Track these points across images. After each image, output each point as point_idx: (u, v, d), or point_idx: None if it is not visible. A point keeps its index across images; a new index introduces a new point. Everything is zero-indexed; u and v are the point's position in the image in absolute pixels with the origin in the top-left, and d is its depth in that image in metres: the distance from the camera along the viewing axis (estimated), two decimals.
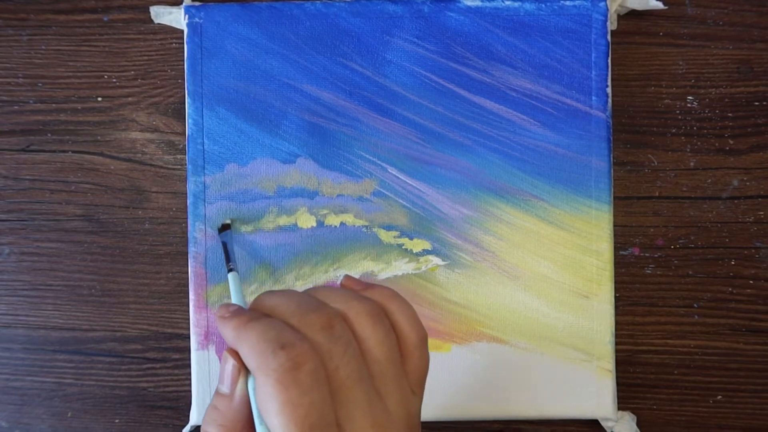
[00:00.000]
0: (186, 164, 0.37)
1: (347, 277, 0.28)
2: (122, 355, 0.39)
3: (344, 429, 0.22)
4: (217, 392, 0.24)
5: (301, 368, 0.22)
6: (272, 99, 0.37)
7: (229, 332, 0.24)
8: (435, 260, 0.37)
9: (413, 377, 0.25)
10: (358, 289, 0.27)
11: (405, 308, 0.26)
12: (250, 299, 0.37)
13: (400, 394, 0.24)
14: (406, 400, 0.25)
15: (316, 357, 0.22)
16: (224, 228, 0.36)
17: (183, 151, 0.39)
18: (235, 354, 0.23)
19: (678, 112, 0.39)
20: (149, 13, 0.38)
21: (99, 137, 0.39)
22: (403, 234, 0.37)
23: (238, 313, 0.24)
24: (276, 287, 0.37)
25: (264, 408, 0.22)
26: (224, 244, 0.35)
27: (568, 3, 0.37)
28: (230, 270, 0.32)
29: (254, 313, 0.24)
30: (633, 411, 0.38)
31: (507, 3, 0.37)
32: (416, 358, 0.25)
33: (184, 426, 0.39)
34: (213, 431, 0.24)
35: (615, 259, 0.38)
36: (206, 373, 0.37)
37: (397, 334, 0.25)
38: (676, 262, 0.39)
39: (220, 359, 0.37)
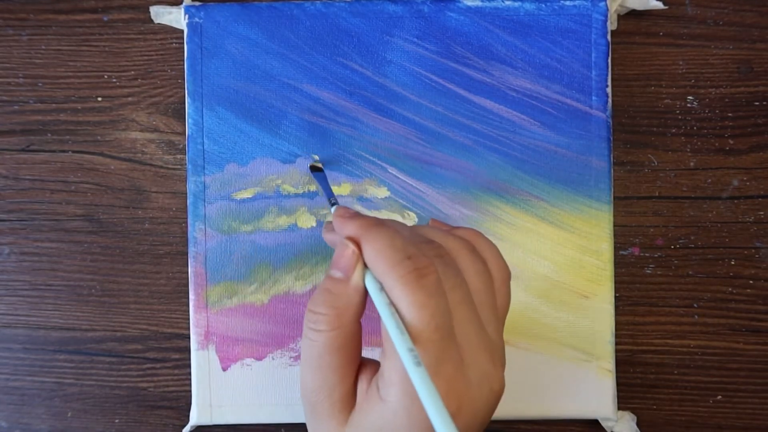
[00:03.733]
0: (186, 164, 0.37)
1: (434, 220, 0.30)
2: (122, 355, 0.39)
3: (461, 344, 0.23)
4: (330, 277, 0.25)
5: (426, 277, 0.23)
6: (272, 99, 0.37)
7: (352, 229, 0.25)
8: None
9: (500, 312, 0.26)
10: (446, 229, 0.28)
11: (491, 247, 0.27)
12: (249, 299, 0.37)
13: (497, 324, 0.25)
14: (500, 329, 0.26)
15: (437, 271, 0.23)
16: (315, 169, 0.36)
17: (183, 151, 0.39)
18: (356, 243, 0.24)
19: (678, 112, 0.39)
20: (149, 13, 0.38)
21: (99, 137, 0.39)
22: None
23: (360, 215, 0.25)
24: (276, 287, 0.37)
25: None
26: (321, 182, 0.35)
27: (568, 3, 0.37)
28: (333, 204, 0.31)
29: (376, 218, 0.25)
30: (633, 411, 0.38)
31: (507, 3, 0.37)
32: (503, 294, 0.27)
33: (184, 426, 0.39)
34: (324, 311, 0.24)
35: (615, 259, 0.38)
36: (206, 373, 0.37)
37: None
38: (676, 262, 0.39)
39: (220, 359, 0.37)
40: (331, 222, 0.27)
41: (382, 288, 0.24)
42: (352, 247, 0.24)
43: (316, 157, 0.37)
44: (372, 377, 0.25)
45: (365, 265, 0.24)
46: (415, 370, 0.21)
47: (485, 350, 0.24)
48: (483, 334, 0.24)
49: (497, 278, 0.26)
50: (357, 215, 0.25)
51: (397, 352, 0.22)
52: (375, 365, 0.26)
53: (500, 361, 0.25)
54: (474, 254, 0.26)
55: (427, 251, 0.24)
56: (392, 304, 0.23)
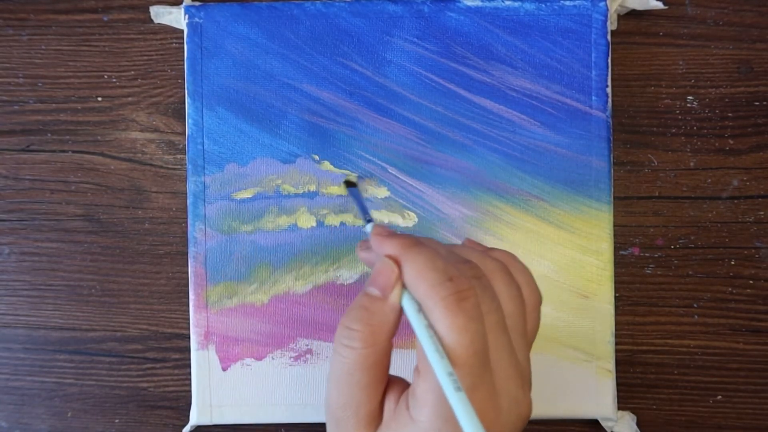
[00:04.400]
0: (186, 164, 0.37)
1: (470, 239, 0.29)
2: (122, 355, 0.39)
3: (494, 370, 0.23)
4: (367, 294, 0.25)
5: (466, 300, 0.23)
6: (272, 99, 0.37)
7: (392, 248, 0.24)
8: None
9: (529, 336, 0.26)
10: (481, 250, 0.28)
11: (525, 271, 0.27)
12: (249, 299, 0.37)
13: (526, 350, 0.25)
14: (528, 355, 0.26)
15: (476, 294, 0.23)
16: (349, 185, 0.36)
17: (183, 151, 0.39)
18: (395, 262, 0.24)
19: (678, 112, 0.39)
20: (149, 13, 0.38)
21: (99, 137, 0.39)
22: None
23: (398, 234, 0.25)
24: (276, 287, 0.37)
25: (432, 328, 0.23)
26: (356, 198, 0.35)
27: (568, 3, 0.37)
28: (369, 221, 0.31)
29: (415, 238, 0.25)
30: (633, 411, 0.38)
31: (507, 3, 0.37)
32: (533, 319, 0.26)
33: (184, 426, 0.39)
34: (359, 327, 0.24)
35: (615, 259, 0.38)
36: (206, 373, 0.37)
37: None
38: (676, 262, 0.39)
39: (220, 359, 0.37)
40: (366, 240, 0.27)
41: (420, 309, 0.23)
42: (392, 265, 0.24)
43: (316, 157, 0.37)
44: (400, 395, 0.25)
45: (403, 285, 0.24)
46: (455, 395, 0.21)
47: (516, 376, 0.24)
48: (514, 360, 0.24)
49: (529, 303, 0.26)
50: (395, 234, 0.25)
51: (434, 373, 0.22)
52: (403, 383, 0.26)
53: (528, 387, 0.25)
54: (509, 278, 0.26)
55: (466, 272, 0.24)
56: (431, 326, 0.23)
